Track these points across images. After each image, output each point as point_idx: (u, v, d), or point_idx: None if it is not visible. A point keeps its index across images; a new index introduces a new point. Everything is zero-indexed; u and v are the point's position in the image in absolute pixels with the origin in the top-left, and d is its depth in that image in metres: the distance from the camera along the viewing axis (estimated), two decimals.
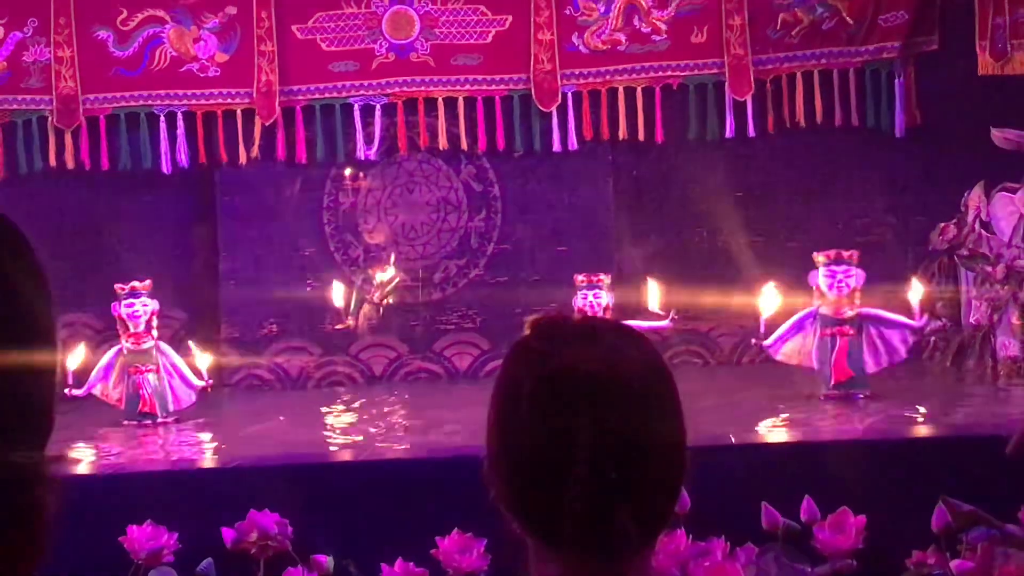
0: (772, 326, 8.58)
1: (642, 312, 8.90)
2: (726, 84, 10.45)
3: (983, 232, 9.26)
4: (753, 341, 8.74)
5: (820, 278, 8.49)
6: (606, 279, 9.06)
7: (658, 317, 8.83)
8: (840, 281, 8.43)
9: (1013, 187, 9.23)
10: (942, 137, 10.13)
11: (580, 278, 9.05)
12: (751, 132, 10.45)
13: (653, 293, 8.97)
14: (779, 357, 8.59)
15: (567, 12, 10.47)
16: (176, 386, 8.89)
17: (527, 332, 2.02)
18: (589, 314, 8.68)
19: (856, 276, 8.46)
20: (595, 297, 8.92)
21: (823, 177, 10.52)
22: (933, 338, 9.40)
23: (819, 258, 8.56)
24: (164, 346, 9.02)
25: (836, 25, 10.43)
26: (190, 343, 9.22)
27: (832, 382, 8.34)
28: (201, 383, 8.90)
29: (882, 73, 10.45)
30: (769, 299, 8.64)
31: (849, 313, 8.43)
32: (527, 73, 10.45)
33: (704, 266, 10.12)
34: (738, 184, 10.52)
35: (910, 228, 10.21)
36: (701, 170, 10.51)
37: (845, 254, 8.55)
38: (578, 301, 8.94)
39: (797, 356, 8.55)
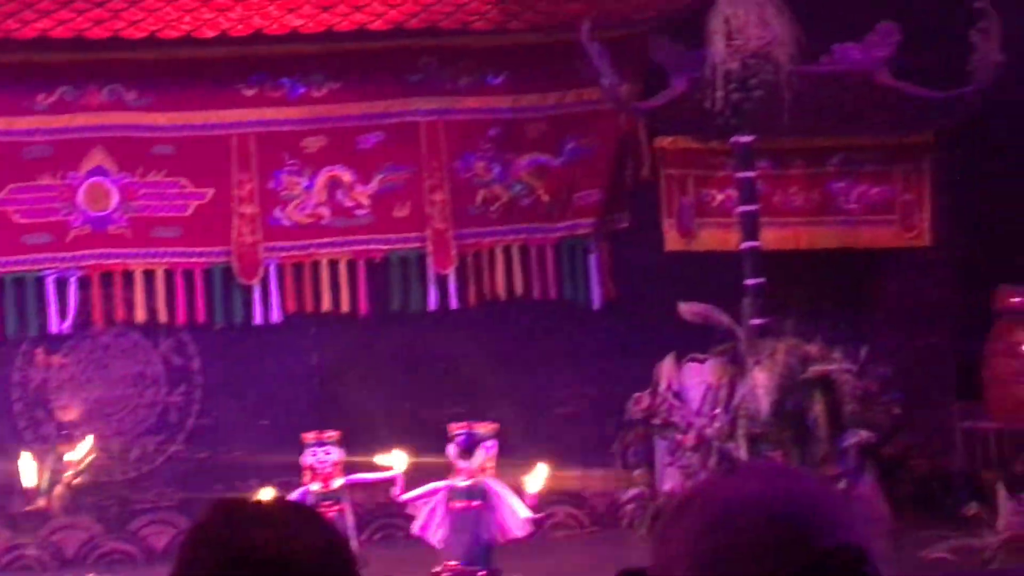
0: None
1: (372, 466, 8.83)
2: (429, 257, 10.61)
3: (675, 402, 9.58)
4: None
5: (452, 449, 8.58)
6: (334, 436, 8.93)
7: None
8: (479, 451, 8.52)
9: (701, 358, 9.61)
10: (636, 310, 10.49)
11: (309, 436, 8.91)
12: (454, 305, 10.61)
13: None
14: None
15: (270, 186, 10.51)
16: None
17: (205, 515, 1.97)
18: (318, 471, 8.59)
19: (490, 448, 8.57)
20: (325, 454, 8.78)
21: (525, 349, 10.74)
22: (631, 506, 9.61)
23: (453, 430, 8.66)
24: None
25: (533, 202, 10.77)
26: None
27: (464, 555, 8.37)
28: None
29: (578, 248, 10.81)
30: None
31: (477, 485, 8.48)
32: (228, 246, 10.39)
33: (405, 438, 10.10)
34: (441, 356, 10.62)
35: (608, 398, 10.47)
36: (406, 342, 10.59)
37: (479, 426, 8.67)
38: (307, 459, 8.78)
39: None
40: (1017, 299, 10.57)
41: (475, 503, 8.43)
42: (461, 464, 8.54)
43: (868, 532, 1.69)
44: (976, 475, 9.75)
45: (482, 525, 8.41)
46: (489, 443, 8.59)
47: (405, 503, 8.67)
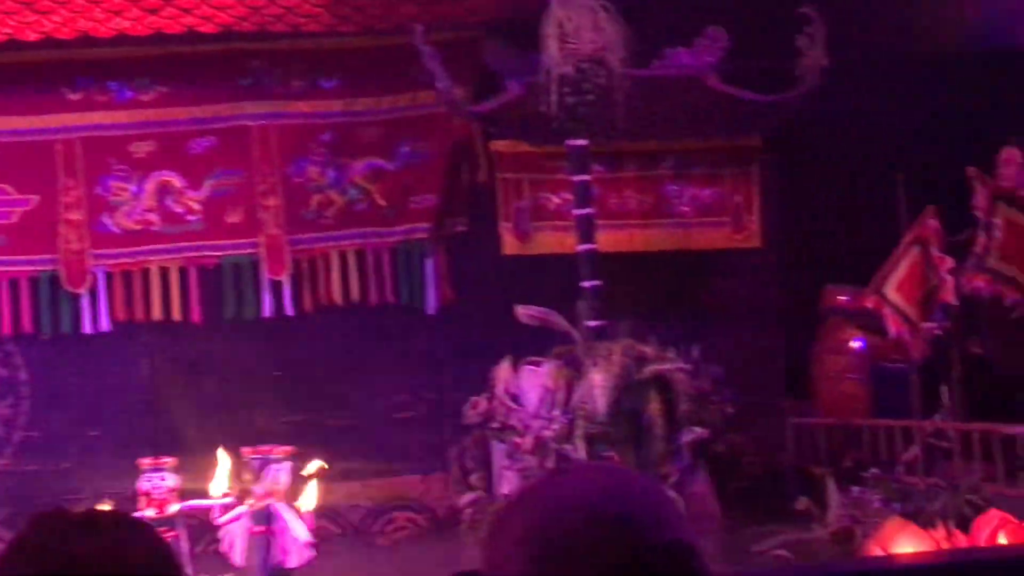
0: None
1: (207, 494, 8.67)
2: (263, 264, 10.48)
3: (512, 405, 9.62)
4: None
5: (245, 473, 8.49)
6: (171, 461, 8.73)
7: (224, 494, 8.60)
8: (271, 475, 8.45)
9: (538, 361, 9.66)
10: (473, 314, 10.51)
11: (146, 461, 8.69)
12: (289, 311, 10.50)
13: (223, 467, 8.63)
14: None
15: (97, 192, 10.28)
16: None
17: (25, 528, 1.90)
18: (154, 497, 8.41)
19: (284, 471, 8.50)
20: (161, 480, 8.58)
21: (362, 354, 10.67)
22: (469, 510, 9.62)
23: (247, 454, 8.56)
24: None
25: (369, 207, 10.71)
26: None
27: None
28: None
29: (414, 253, 10.78)
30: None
31: (266, 509, 8.40)
32: (55, 254, 10.14)
33: (245, 445, 9.98)
34: (278, 363, 10.51)
35: (446, 403, 10.47)
36: (240, 350, 10.44)
37: (273, 450, 8.58)
38: (143, 484, 8.56)
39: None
40: (843, 298, 10.85)
41: (264, 527, 8.35)
42: (254, 488, 8.45)
43: (697, 528, 1.71)
44: (806, 470, 9.97)
45: (272, 549, 8.33)
46: (282, 467, 8.49)
47: (220, 526, 8.52)
